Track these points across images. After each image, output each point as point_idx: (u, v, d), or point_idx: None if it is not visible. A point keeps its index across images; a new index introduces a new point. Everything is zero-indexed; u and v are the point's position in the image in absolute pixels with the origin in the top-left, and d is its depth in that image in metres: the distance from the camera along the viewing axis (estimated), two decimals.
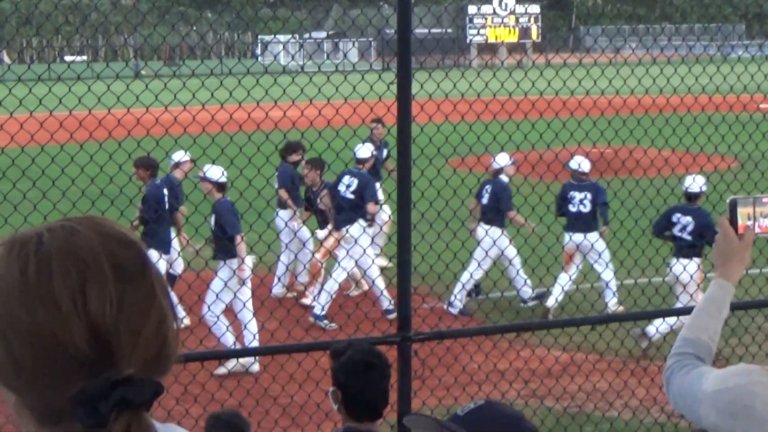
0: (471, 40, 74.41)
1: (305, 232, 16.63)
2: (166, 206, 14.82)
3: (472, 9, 78.21)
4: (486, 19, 78.72)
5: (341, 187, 15.23)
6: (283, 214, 16.43)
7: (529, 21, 80.00)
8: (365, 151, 15.27)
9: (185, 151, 14.47)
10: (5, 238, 1.98)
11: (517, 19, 79.79)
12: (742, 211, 3.78)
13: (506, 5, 79.25)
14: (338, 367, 5.84)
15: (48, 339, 1.86)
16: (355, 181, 14.96)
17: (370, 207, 14.68)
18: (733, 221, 3.76)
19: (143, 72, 22.57)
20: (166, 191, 14.83)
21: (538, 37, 77.66)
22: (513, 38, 77.81)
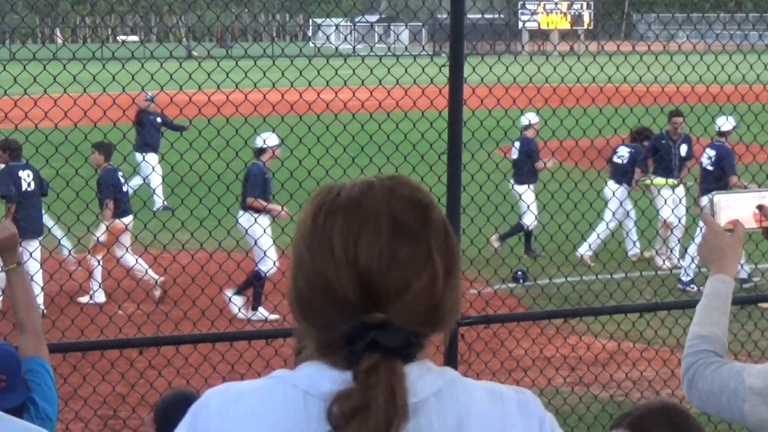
0: (523, 26, 74.11)
1: None
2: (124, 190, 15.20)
3: None
4: (538, 5, 78.34)
5: None
6: None
7: (581, 7, 79.53)
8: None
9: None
10: (322, 185, 2.21)
11: (569, 6, 79.33)
12: (726, 206, 3.71)
13: None
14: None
15: (323, 281, 2.07)
16: None
17: None
18: (717, 216, 3.69)
19: (195, 53, 22.60)
20: (121, 175, 15.21)
21: (590, 24, 77.17)
22: (565, 25, 77.39)
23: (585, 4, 79.01)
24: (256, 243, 13.74)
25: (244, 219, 14.16)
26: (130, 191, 15.93)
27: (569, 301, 11.51)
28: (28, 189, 14.91)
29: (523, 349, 11.16)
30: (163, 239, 10.84)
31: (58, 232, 15.03)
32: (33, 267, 13.89)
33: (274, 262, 12.38)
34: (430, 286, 2.07)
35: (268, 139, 14.39)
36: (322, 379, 2.08)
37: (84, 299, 14.36)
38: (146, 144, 22.47)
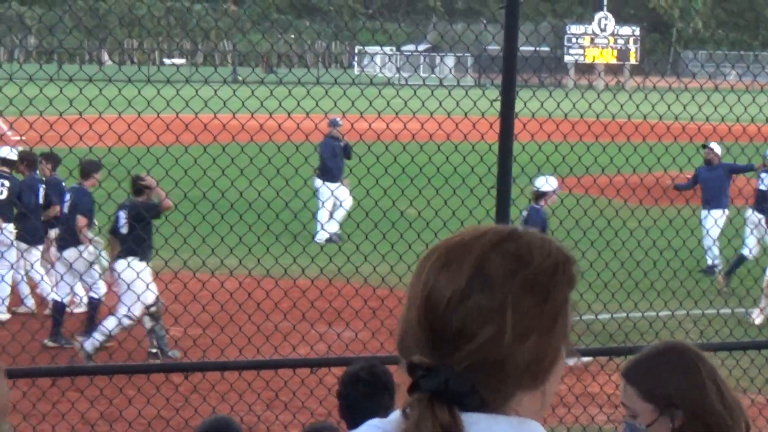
0: (575, 61, 74.13)
1: None
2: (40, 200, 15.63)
3: (572, 29, 77.81)
4: (584, 39, 78.25)
5: None
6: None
7: (627, 43, 79.38)
8: None
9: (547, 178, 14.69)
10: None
11: (615, 41, 79.21)
12: None
13: (606, 26, 78.72)
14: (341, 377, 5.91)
15: (408, 313, 2.09)
16: None
17: None
18: None
19: (240, 77, 22.75)
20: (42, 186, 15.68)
21: (636, 60, 76.99)
22: (611, 59, 77.25)
23: (632, 39, 78.78)
24: None
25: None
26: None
27: (614, 339, 11.45)
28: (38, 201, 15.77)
29: (567, 385, 11.11)
30: (211, 265, 10.89)
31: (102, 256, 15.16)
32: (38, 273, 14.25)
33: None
34: (495, 341, 2.03)
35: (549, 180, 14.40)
36: (396, 416, 2.08)
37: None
38: (326, 170, 22.11)
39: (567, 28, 76.95)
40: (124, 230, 13.52)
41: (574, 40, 77.90)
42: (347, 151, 21.65)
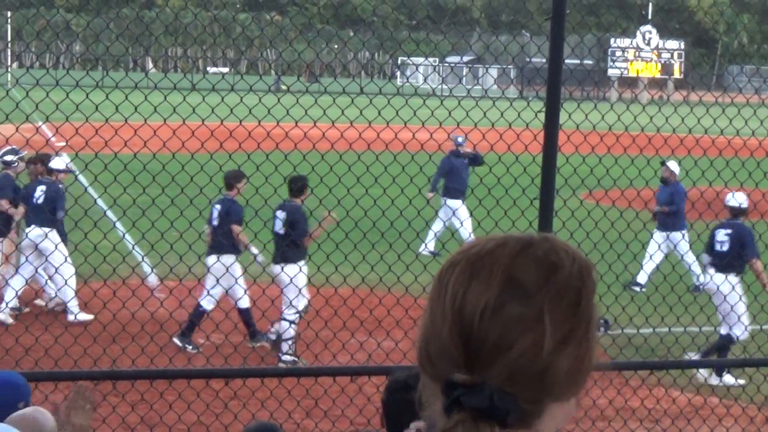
0: (619, 74, 73.92)
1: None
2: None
3: (616, 42, 77.63)
4: (629, 52, 78.05)
5: None
6: None
7: (672, 57, 79.11)
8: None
9: None
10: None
11: (659, 55, 78.97)
12: None
13: (650, 40, 78.47)
14: (384, 387, 5.83)
15: (434, 328, 2.04)
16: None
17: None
18: None
19: (283, 87, 22.81)
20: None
21: (681, 74, 76.70)
22: (654, 73, 77.02)
23: (676, 53, 78.50)
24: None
25: None
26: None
27: (656, 353, 11.40)
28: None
29: (607, 399, 11.07)
30: (253, 272, 10.93)
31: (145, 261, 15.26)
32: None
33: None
34: (534, 350, 1.98)
35: None
36: None
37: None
38: (447, 188, 22.25)
39: (612, 41, 76.78)
40: (281, 232, 13.95)
41: (618, 53, 77.74)
42: (477, 160, 21.58)
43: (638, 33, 78.81)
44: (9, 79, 24.85)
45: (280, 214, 14.12)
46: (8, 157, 16.78)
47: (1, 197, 16.42)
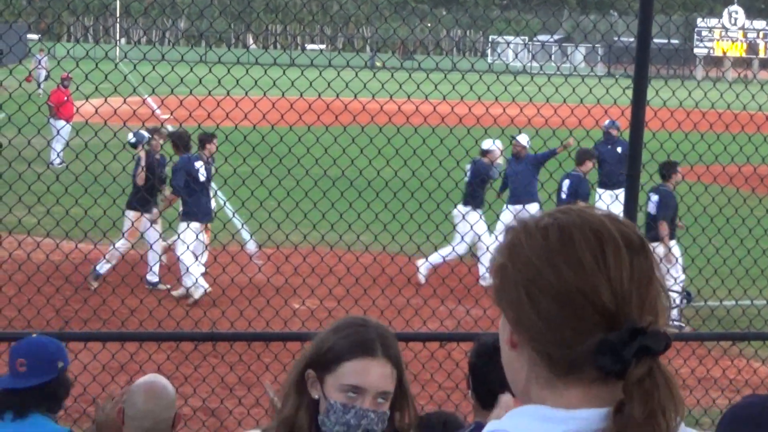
0: (706, 53, 73.20)
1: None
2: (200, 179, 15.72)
3: (702, 22, 76.81)
4: (715, 32, 77.19)
5: None
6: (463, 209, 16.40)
7: (758, 36, 78.07)
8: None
9: (493, 141, 14.76)
10: (511, 222, 2.28)
11: (745, 34, 77.94)
12: None
13: (736, 20, 77.49)
14: (471, 351, 5.51)
15: (573, 294, 2.09)
16: None
17: None
18: None
19: (378, 64, 23.11)
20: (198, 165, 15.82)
21: (766, 53, 75.71)
22: (740, 53, 76.11)
23: (762, 33, 77.44)
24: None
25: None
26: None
27: (738, 325, 11.61)
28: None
29: (689, 368, 11.31)
30: (348, 240, 11.26)
31: (244, 228, 15.67)
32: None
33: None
34: (656, 299, 2.13)
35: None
36: (587, 416, 2.08)
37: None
38: (605, 179, 22.14)
39: (699, 20, 75.95)
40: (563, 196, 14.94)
41: (705, 33, 76.88)
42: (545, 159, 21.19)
43: (725, 13, 77.83)
44: (117, 53, 25.36)
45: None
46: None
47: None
